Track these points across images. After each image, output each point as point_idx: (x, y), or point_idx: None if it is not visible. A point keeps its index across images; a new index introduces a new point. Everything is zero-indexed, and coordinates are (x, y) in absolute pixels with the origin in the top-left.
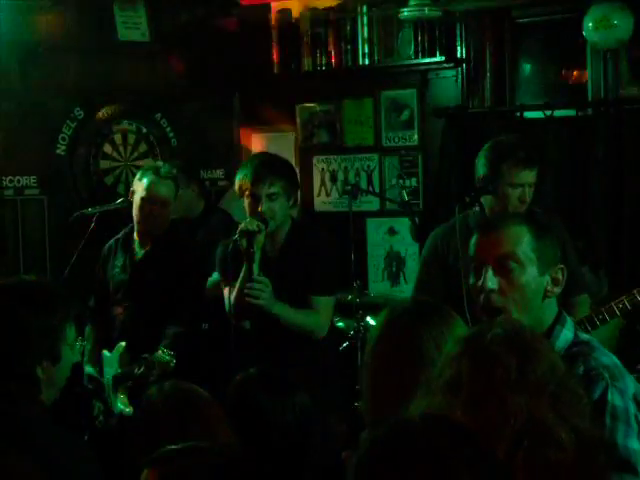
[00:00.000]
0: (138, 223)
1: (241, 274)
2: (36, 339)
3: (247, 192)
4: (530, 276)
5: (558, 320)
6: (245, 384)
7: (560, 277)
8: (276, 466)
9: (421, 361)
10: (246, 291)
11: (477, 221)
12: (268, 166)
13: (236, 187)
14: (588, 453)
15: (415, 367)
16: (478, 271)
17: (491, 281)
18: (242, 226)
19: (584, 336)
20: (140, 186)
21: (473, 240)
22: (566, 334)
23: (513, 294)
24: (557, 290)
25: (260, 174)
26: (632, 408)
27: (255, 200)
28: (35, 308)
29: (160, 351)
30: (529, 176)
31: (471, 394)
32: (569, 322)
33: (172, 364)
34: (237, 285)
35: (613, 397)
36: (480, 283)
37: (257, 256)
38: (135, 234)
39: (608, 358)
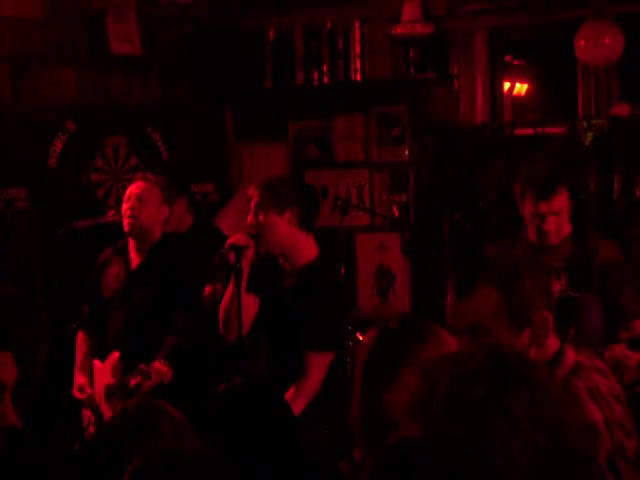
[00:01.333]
0: (125, 229)
1: (229, 288)
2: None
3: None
4: (505, 339)
5: (554, 358)
6: (230, 394)
7: (545, 324)
8: (256, 474)
9: (406, 377)
10: None
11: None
12: (267, 179)
13: None
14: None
15: (399, 383)
16: (456, 334)
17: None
18: (231, 240)
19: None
20: None
21: (447, 301)
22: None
23: None
24: (545, 339)
25: (256, 184)
26: None
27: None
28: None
29: (157, 362)
30: (545, 206)
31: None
32: (568, 360)
33: (169, 375)
34: (224, 300)
35: None
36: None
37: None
38: (129, 244)
39: None
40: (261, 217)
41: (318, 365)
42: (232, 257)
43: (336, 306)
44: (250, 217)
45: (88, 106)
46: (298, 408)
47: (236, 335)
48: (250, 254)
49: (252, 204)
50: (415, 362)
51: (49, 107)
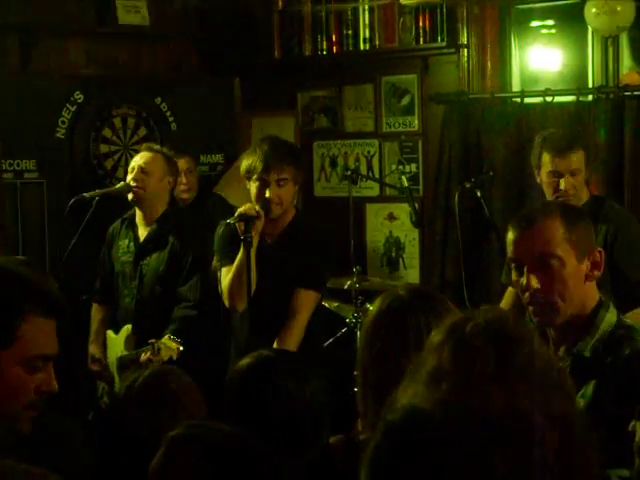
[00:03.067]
0: (130, 201)
1: (237, 258)
2: None
3: (255, 177)
4: (570, 267)
5: (601, 304)
6: (264, 366)
7: (598, 260)
8: (278, 447)
9: (414, 347)
10: None
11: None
12: (279, 152)
13: (242, 171)
14: (573, 445)
15: (408, 353)
16: (519, 269)
17: (534, 280)
18: (241, 210)
19: (627, 321)
20: None
21: (509, 238)
22: (610, 317)
23: (557, 287)
24: (597, 273)
25: (271, 160)
26: None
27: (263, 185)
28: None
29: (167, 337)
30: (562, 164)
31: (452, 386)
32: (612, 307)
33: (179, 351)
34: (233, 269)
35: None
36: (524, 283)
37: (255, 242)
38: (137, 215)
39: None
40: (284, 191)
41: (308, 302)
42: (242, 227)
43: (322, 248)
44: (274, 190)
45: (96, 77)
46: (292, 346)
47: (244, 305)
48: (260, 224)
49: (278, 177)
50: (423, 331)
51: (57, 78)
